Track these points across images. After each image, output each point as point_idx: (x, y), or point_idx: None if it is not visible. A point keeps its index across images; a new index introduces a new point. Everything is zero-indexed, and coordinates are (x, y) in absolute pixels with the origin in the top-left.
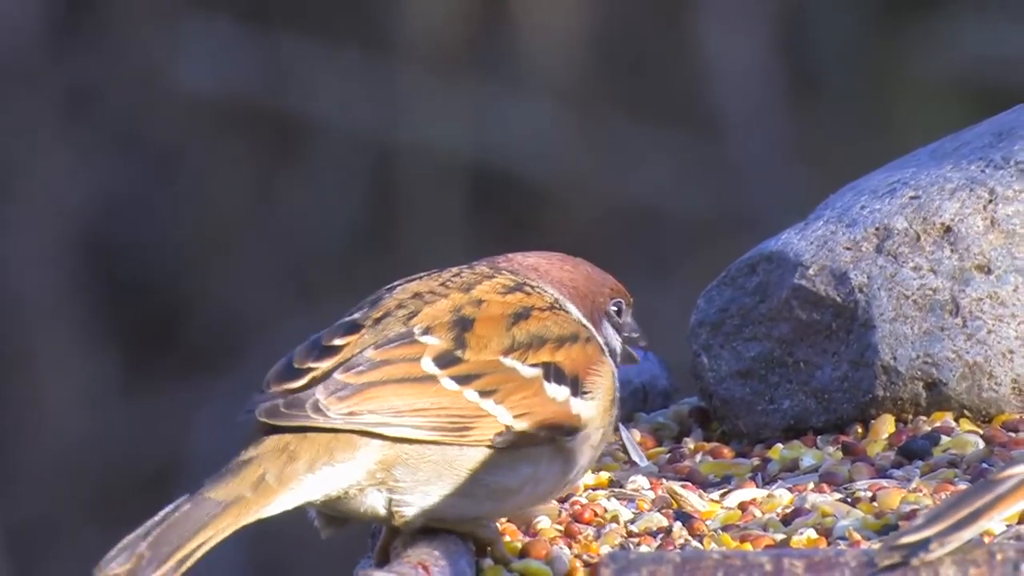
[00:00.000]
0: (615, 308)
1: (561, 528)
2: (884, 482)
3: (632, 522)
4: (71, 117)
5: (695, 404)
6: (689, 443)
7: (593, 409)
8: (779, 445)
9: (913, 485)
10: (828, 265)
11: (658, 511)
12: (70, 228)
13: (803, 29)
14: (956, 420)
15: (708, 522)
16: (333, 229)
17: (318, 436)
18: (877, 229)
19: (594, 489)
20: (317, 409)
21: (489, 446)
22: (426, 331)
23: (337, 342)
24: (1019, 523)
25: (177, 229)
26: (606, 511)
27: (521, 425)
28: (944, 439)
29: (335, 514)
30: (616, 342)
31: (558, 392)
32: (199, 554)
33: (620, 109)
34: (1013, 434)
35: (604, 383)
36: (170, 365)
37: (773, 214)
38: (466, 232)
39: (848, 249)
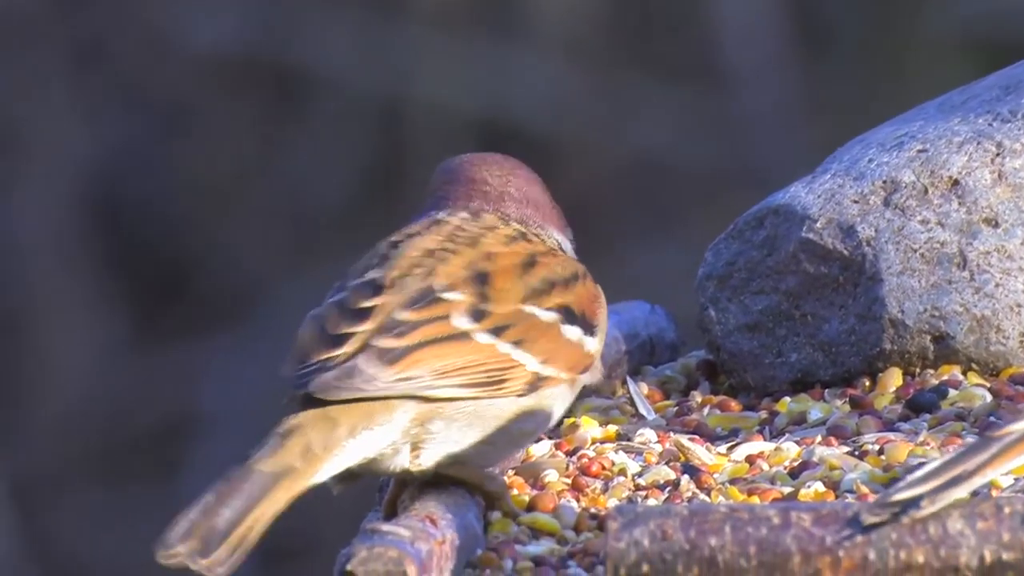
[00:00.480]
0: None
1: (568, 481)
2: (891, 435)
3: (639, 475)
4: (78, 73)
5: (702, 357)
6: (696, 396)
7: (599, 343)
8: (786, 398)
9: (921, 438)
10: (835, 218)
11: (665, 464)
12: (77, 184)
13: None
14: (964, 373)
15: (715, 475)
16: (340, 185)
17: (359, 403)
18: (885, 182)
19: (602, 442)
20: (368, 380)
21: (518, 395)
22: (447, 288)
23: (365, 304)
24: None
25: (184, 185)
26: (613, 464)
27: (547, 371)
28: (952, 392)
29: (359, 472)
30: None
31: (573, 333)
32: (258, 529)
33: (628, 64)
34: (1021, 387)
35: (603, 314)
36: (176, 321)
37: (782, 168)
38: None
39: (856, 202)
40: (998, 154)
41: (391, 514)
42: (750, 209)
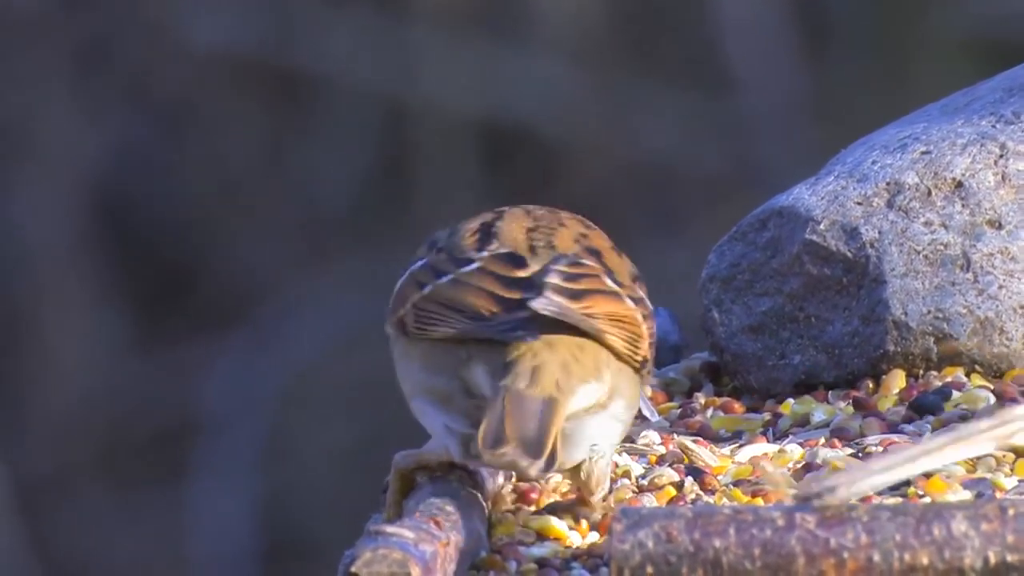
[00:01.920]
0: None
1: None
2: (895, 437)
3: (643, 477)
4: (82, 73)
5: (706, 359)
6: (700, 398)
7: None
8: (790, 400)
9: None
10: (839, 220)
11: (669, 466)
12: (81, 184)
13: None
14: (967, 375)
15: (720, 477)
16: (345, 186)
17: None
18: (888, 184)
19: None
20: (565, 309)
21: (636, 368)
22: (578, 257)
23: (518, 273)
24: None
25: (188, 186)
26: (617, 466)
27: (651, 351)
28: (955, 394)
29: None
30: None
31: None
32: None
33: (632, 66)
34: None
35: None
36: (181, 322)
37: (785, 169)
38: (478, 190)
39: (859, 204)
40: (1001, 156)
41: (396, 515)
42: (754, 211)
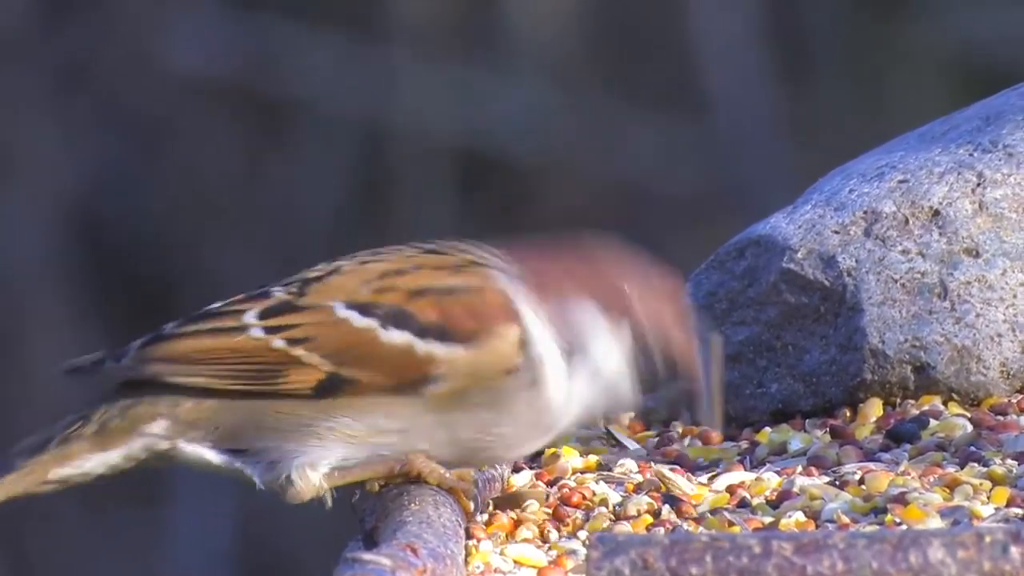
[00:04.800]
0: (645, 350)
1: (550, 511)
2: (872, 465)
3: (620, 505)
4: (61, 93)
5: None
6: (677, 427)
7: (454, 354)
8: (767, 429)
9: (901, 468)
10: (816, 249)
11: (646, 494)
12: (60, 204)
13: (793, 7)
14: (944, 403)
15: (696, 505)
16: (321, 208)
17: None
18: (865, 213)
19: (583, 472)
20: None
21: (311, 394)
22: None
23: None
24: (1007, 506)
25: (166, 206)
26: (594, 494)
27: (347, 373)
28: (932, 422)
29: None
30: (612, 361)
31: (397, 337)
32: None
33: (609, 88)
34: (1001, 417)
35: (493, 334)
36: None
37: (763, 193)
38: (455, 213)
39: (836, 233)
40: (979, 184)
41: (372, 543)
42: (731, 239)
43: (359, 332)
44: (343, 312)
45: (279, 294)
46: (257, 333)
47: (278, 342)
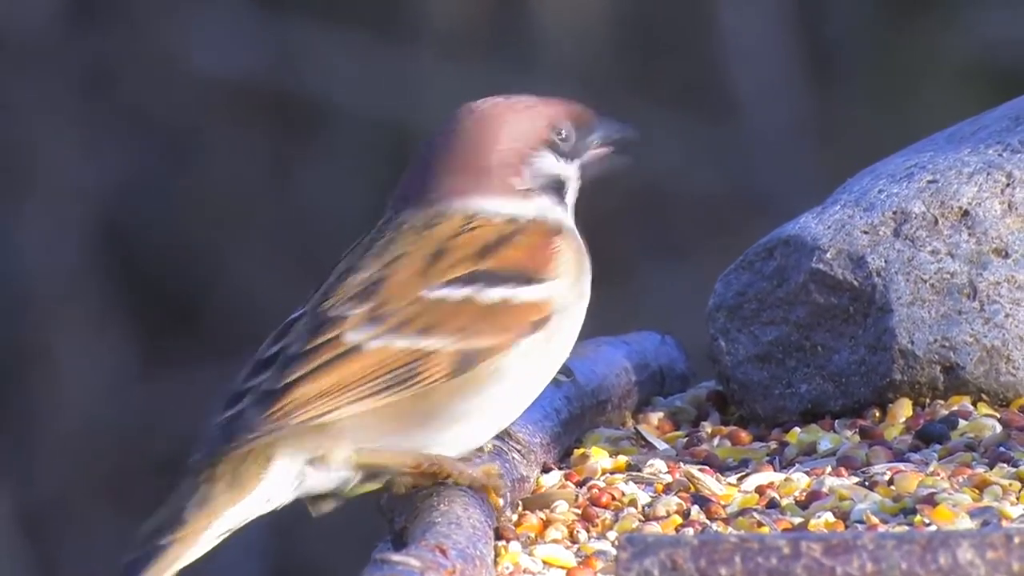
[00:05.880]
0: (559, 136)
1: (579, 512)
2: (902, 466)
3: (649, 506)
4: (86, 99)
5: (713, 388)
6: (707, 427)
7: (551, 288)
8: (796, 429)
9: (931, 469)
10: (846, 249)
11: (676, 495)
12: (86, 211)
13: (820, 8)
14: (973, 404)
15: (726, 506)
16: (349, 212)
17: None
18: (895, 213)
19: (612, 473)
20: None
21: (448, 378)
22: (337, 306)
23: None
24: None
25: (193, 213)
26: (624, 495)
27: (474, 344)
28: (961, 423)
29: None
30: (570, 169)
31: (494, 295)
32: None
33: (635, 90)
34: None
35: (559, 259)
36: (186, 349)
37: (789, 195)
38: None
39: (866, 233)
40: (1008, 184)
41: (401, 544)
42: (760, 240)
43: (459, 305)
44: (436, 294)
45: (351, 312)
46: (376, 344)
47: (400, 342)
